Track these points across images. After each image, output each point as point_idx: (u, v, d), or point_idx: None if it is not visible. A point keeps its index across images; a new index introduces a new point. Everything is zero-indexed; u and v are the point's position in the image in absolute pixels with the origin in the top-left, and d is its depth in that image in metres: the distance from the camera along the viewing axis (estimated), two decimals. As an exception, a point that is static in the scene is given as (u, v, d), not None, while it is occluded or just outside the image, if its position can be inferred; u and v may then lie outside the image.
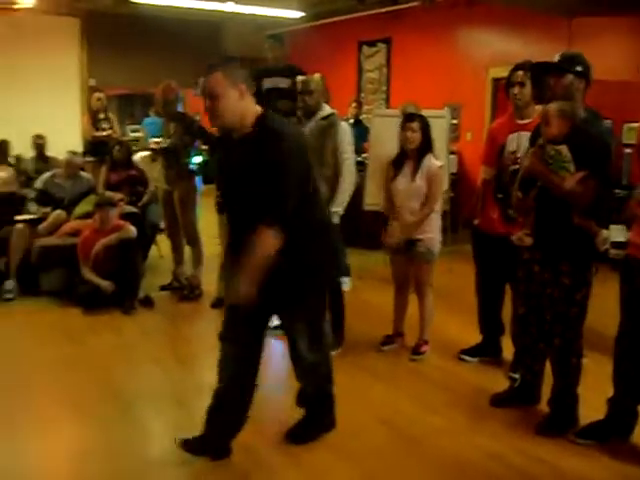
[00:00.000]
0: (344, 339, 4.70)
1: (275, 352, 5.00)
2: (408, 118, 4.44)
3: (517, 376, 3.85)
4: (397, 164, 4.51)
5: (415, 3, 9.27)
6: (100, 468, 3.14)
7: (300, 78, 4.68)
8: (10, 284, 5.84)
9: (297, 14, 10.38)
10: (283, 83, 6.46)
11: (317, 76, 4.63)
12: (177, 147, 5.70)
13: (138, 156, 7.42)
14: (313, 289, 3.15)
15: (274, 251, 2.78)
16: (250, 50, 10.70)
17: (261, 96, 6.51)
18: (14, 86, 9.83)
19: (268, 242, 2.77)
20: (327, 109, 4.60)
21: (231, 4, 9.57)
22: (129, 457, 3.29)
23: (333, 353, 4.53)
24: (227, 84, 2.76)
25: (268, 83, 6.54)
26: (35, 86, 9.96)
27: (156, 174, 6.20)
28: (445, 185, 6.15)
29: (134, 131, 11.07)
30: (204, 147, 6.11)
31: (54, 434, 3.54)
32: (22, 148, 8.52)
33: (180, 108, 5.80)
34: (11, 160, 8.34)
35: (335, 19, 10.76)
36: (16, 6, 8.56)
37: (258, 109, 2.87)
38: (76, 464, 3.24)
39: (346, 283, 5.55)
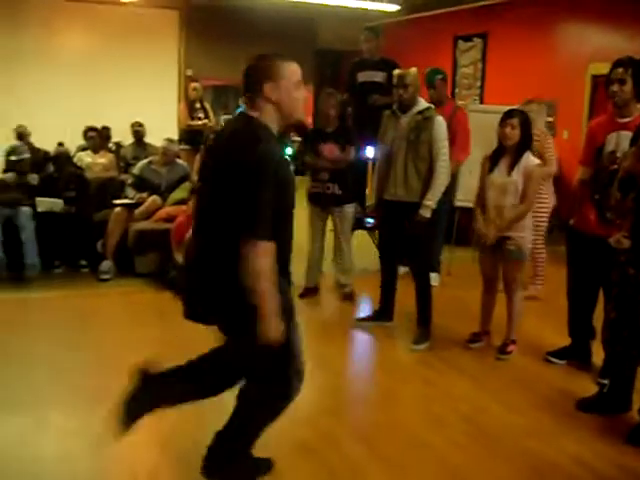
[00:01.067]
0: (431, 334, 4.71)
1: (360, 347, 5.07)
2: (508, 114, 4.37)
3: (606, 382, 3.75)
4: (494, 159, 4.46)
5: (514, -4, 9.10)
6: (188, 441, 3.21)
7: (396, 71, 4.68)
8: (107, 265, 6.08)
9: (394, 7, 10.35)
10: (378, 77, 6.45)
11: (414, 70, 4.63)
12: None
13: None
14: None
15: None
16: (344, 43, 10.75)
17: (355, 89, 6.55)
18: (116, 75, 10.21)
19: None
20: (423, 103, 4.60)
21: (327, -4, 9.64)
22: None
23: (421, 347, 4.58)
24: None
25: (362, 77, 6.54)
26: (135, 75, 10.33)
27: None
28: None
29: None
30: (296, 139, 6.18)
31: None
32: (122, 135, 8.83)
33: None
34: (111, 146, 8.65)
35: (431, 13, 10.68)
36: (122, 0, 8.89)
37: None
38: (165, 440, 3.34)
39: (435, 279, 5.55)
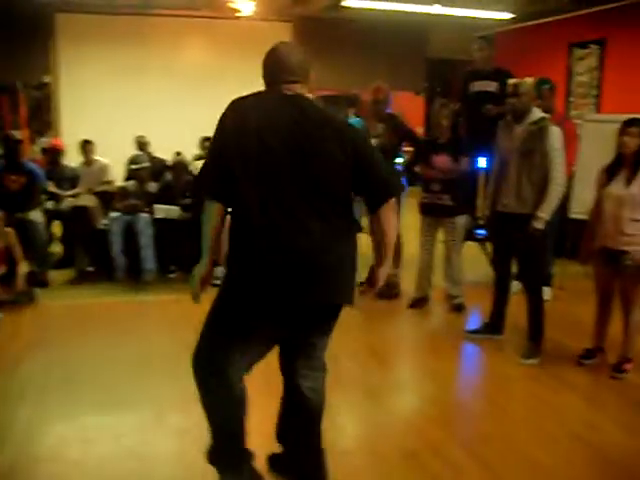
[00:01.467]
0: (542, 349, 4.61)
1: (469, 359, 5.02)
2: (627, 122, 4.23)
3: None
4: (611, 170, 4.31)
5: None
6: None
7: (511, 80, 4.63)
8: (220, 271, 6.26)
9: (506, 15, 10.21)
10: (491, 86, 6.37)
11: (529, 80, 4.56)
12: (384, 147, 5.79)
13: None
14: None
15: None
16: (455, 53, 10.68)
17: (468, 99, 6.50)
18: (231, 86, 10.43)
19: None
20: (537, 113, 4.52)
21: (438, 7, 9.61)
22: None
23: (532, 362, 4.49)
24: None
25: (475, 86, 6.48)
26: (250, 87, 10.52)
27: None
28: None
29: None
30: (408, 149, 6.18)
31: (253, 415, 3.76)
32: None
33: (389, 110, 5.88)
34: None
35: (545, 20, 10.45)
36: (238, 14, 9.17)
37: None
38: (270, 443, 3.41)
39: (547, 292, 5.43)
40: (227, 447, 2.79)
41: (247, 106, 2.53)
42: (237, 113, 2.51)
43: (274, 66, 2.61)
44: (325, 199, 2.49)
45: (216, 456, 2.81)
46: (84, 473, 3.10)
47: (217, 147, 2.51)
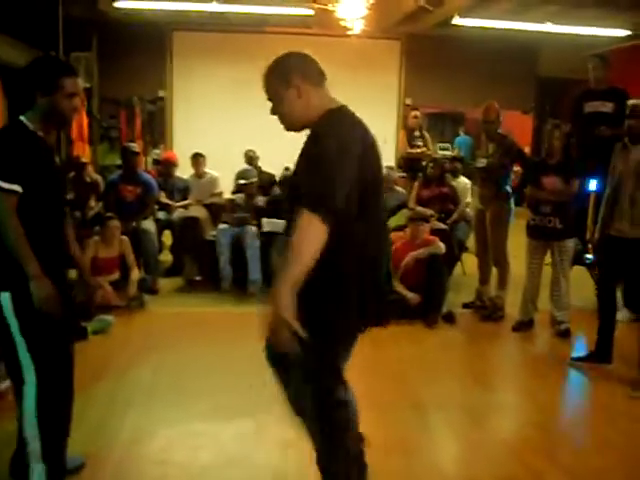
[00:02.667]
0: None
1: (573, 387, 4.87)
2: None
3: None
4: None
5: None
6: (391, 465, 3.27)
7: (631, 101, 4.49)
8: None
9: (622, 32, 9.91)
10: (605, 107, 6.18)
11: (650, 102, 4.43)
12: (495, 167, 5.73)
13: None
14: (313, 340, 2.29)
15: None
16: (567, 71, 10.43)
17: (581, 120, 6.34)
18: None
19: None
20: (657, 136, 4.37)
21: (549, 24, 9.44)
22: (421, 457, 3.43)
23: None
24: (280, 85, 2.44)
25: (589, 107, 6.31)
26: (359, 104, 10.59)
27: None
28: None
29: (443, 149, 11.38)
30: (516, 169, 6.09)
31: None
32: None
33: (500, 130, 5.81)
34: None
35: (664, 37, 10.08)
36: (348, 32, 9.30)
37: (331, 103, 2.46)
38: (370, 458, 3.42)
39: (625, 315, 5.19)
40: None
41: (355, 122, 2.44)
42: (357, 129, 2.41)
43: (316, 65, 2.51)
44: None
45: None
46: (189, 476, 3.19)
47: (352, 164, 2.28)
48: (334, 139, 2.25)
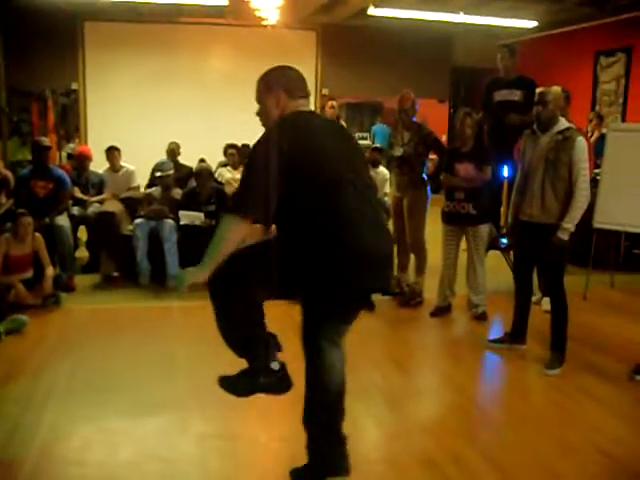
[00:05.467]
0: (565, 359, 4.58)
1: (490, 368, 5.01)
2: None
3: None
4: None
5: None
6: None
7: (539, 89, 4.61)
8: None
9: (531, 24, 10.19)
10: (515, 95, 6.35)
11: (556, 89, 4.55)
12: (411, 156, 5.81)
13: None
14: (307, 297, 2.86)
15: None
16: (480, 61, 10.66)
17: (492, 108, 6.49)
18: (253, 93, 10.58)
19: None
20: (563, 123, 4.50)
21: (462, 15, 9.62)
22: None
23: (554, 372, 4.46)
24: (265, 92, 2.89)
25: (499, 95, 6.47)
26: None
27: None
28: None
29: (361, 138, 11.48)
30: (432, 157, 6.19)
31: (270, 418, 3.77)
32: (261, 152, 9.12)
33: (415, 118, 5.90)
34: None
35: (570, 28, 10.42)
36: (264, 22, 9.25)
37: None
38: (289, 448, 3.37)
39: (547, 303, 5.37)
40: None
41: (310, 125, 2.84)
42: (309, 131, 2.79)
43: (301, 83, 2.96)
44: None
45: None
46: (107, 476, 3.14)
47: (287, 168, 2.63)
48: (267, 145, 2.63)
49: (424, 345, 5.35)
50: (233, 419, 3.69)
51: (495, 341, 5.05)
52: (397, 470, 3.26)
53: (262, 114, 2.93)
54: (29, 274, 5.88)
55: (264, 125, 2.91)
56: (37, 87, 10.71)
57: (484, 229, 5.56)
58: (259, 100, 2.93)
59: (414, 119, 5.88)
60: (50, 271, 5.94)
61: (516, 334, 4.94)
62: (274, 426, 3.72)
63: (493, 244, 6.36)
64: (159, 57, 10.50)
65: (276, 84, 2.89)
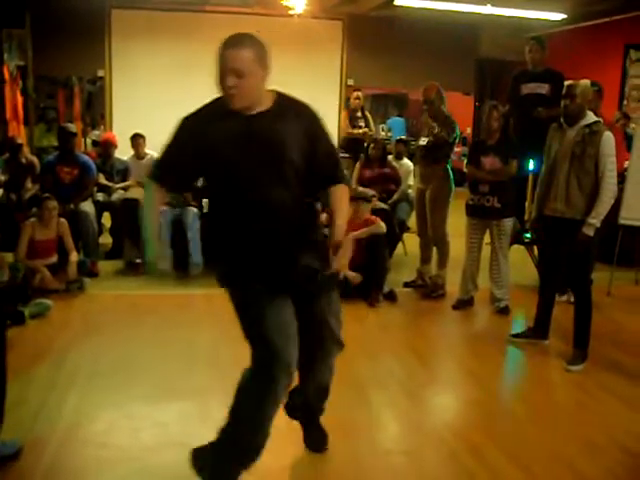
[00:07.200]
0: (588, 356, 4.55)
1: (511, 363, 4.98)
2: None
3: None
4: None
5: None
6: (329, 442, 3.29)
7: (567, 82, 4.56)
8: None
9: (559, 16, 10.07)
10: (542, 89, 6.28)
11: (584, 82, 4.49)
12: (437, 145, 5.78)
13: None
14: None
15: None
16: (507, 53, 10.58)
17: (519, 101, 6.43)
18: (281, 84, 10.55)
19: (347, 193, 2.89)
20: (591, 117, 4.45)
21: (489, 7, 9.53)
22: (355, 438, 3.47)
23: (576, 368, 4.42)
24: (256, 63, 2.55)
25: (526, 89, 6.40)
26: (300, 84, 10.58)
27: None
28: None
29: (385, 130, 11.46)
30: (457, 150, 6.16)
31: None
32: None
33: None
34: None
35: (599, 21, 10.27)
36: (290, 12, 9.24)
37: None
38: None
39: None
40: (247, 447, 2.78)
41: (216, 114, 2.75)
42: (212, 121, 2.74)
43: None
44: None
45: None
46: (128, 459, 3.17)
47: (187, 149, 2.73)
48: (180, 126, 2.73)
49: (445, 338, 5.33)
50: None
51: (517, 336, 5.01)
52: (417, 462, 3.26)
53: (243, 86, 2.52)
54: (54, 259, 5.94)
55: (240, 100, 2.55)
56: (63, 74, 10.79)
57: (508, 223, 5.52)
58: (244, 69, 2.52)
59: (443, 110, 5.84)
60: (74, 256, 5.99)
61: (539, 329, 4.91)
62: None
63: (517, 238, 6.32)
64: (185, 45, 10.50)
65: (268, 57, 2.61)
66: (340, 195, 2.82)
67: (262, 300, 2.66)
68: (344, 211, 2.82)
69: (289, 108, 2.71)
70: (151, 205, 2.83)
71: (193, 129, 2.69)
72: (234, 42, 2.58)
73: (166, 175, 2.72)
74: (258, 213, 2.66)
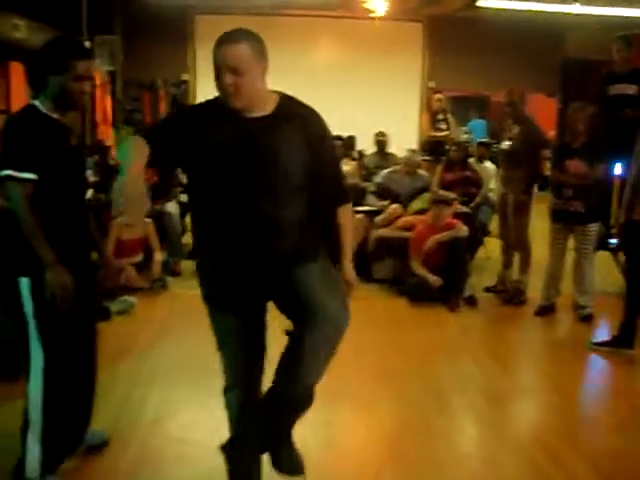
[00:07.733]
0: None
1: (594, 371, 4.85)
2: None
3: None
4: None
5: None
6: (410, 447, 3.30)
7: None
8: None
9: (649, 14, 9.76)
10: (630, 89, 6.11)
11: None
12: (519, 151, 5.68)
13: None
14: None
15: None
16: (594, 53, 10.28)
17: (606, 102, 6.26)
18: (363, 86, 10.62)
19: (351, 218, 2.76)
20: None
21: (577, 6, 9.31)
22: (441, 440, 3.45)
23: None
24: (256, 60, 2.43)
25: (614, 89, 6.23)
26: (381, 87, 10.68)
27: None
28: None
29: (467, 132, 11.31)
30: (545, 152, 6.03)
31: (372, 408, 3.80)
32: (365, 144, 9.15)
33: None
34: (354, 154, 9.00)
35: (694, 18, 9.89)
36: (371, 14, 9.26)
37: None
38: (388, 440, 3.45)
39: None
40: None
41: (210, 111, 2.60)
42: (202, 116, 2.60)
43: None
44: None
45: None
46: (208, 457, 3.21)
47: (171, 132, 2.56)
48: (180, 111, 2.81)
49: (526, 343, 5.24)
50: (332, 408, 3.72)
51: (601, 344, 4.87)
52: (496, 468, 3.22)
53: (242, 84, 2.37)
54: (139, 258, 6.11)
55: (239, 99, 2.38)
56: (149, 78, 11.09)
57: (593, 228, 5.37)
58: (244, 67, 2.38)
59: (526, 113, 5.74)
60: (158, 256, 6.16)
61: (624, 337, 4.75)
62: (373, 416, 3.74)
63: (602, 244, 6.14)
64: (267, 49, 10.65)
65: (266, 54, 2.49)
66: (344, 223, 2.64)
67: (229, 332, 2.81)
68: (350, 245, 2.70)
69: (293, 114, 2.51)
70: (130, 157, 2.49)
71: (191, 120, 2.50)
72: (229, 38, 2.42)
73: (151, 140, 2.44)
74: (241, 231, 2.42)
